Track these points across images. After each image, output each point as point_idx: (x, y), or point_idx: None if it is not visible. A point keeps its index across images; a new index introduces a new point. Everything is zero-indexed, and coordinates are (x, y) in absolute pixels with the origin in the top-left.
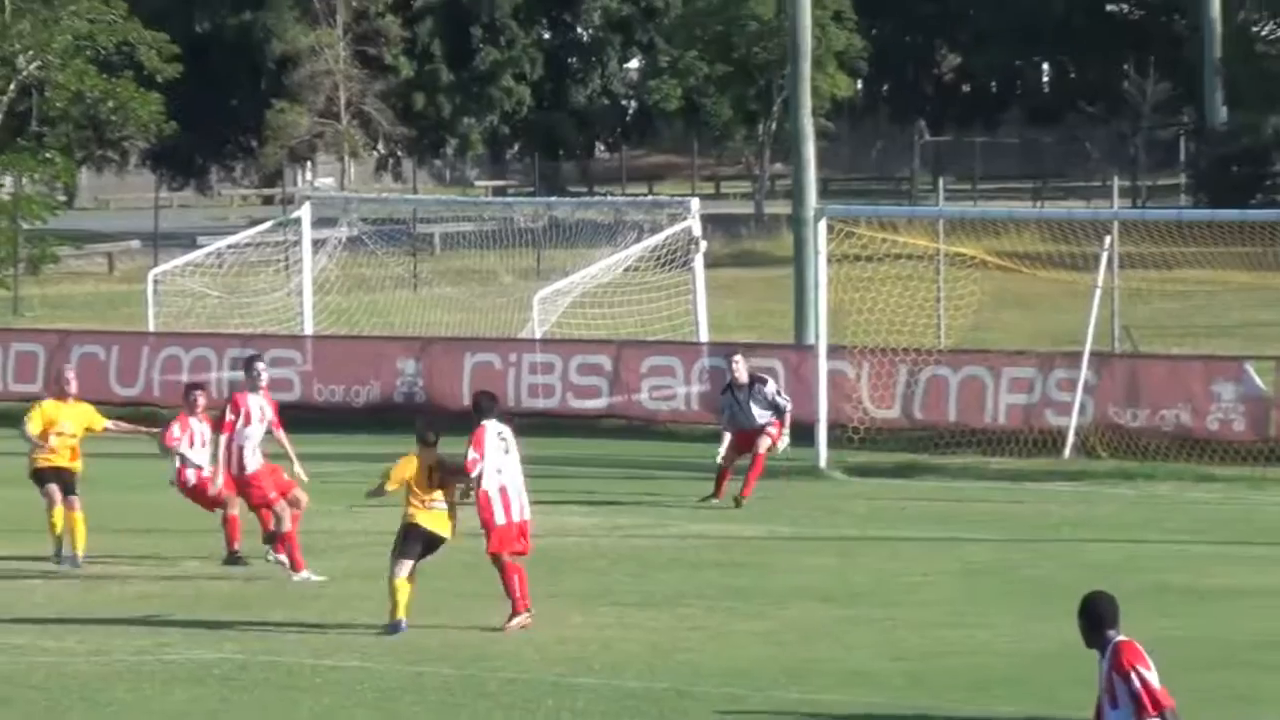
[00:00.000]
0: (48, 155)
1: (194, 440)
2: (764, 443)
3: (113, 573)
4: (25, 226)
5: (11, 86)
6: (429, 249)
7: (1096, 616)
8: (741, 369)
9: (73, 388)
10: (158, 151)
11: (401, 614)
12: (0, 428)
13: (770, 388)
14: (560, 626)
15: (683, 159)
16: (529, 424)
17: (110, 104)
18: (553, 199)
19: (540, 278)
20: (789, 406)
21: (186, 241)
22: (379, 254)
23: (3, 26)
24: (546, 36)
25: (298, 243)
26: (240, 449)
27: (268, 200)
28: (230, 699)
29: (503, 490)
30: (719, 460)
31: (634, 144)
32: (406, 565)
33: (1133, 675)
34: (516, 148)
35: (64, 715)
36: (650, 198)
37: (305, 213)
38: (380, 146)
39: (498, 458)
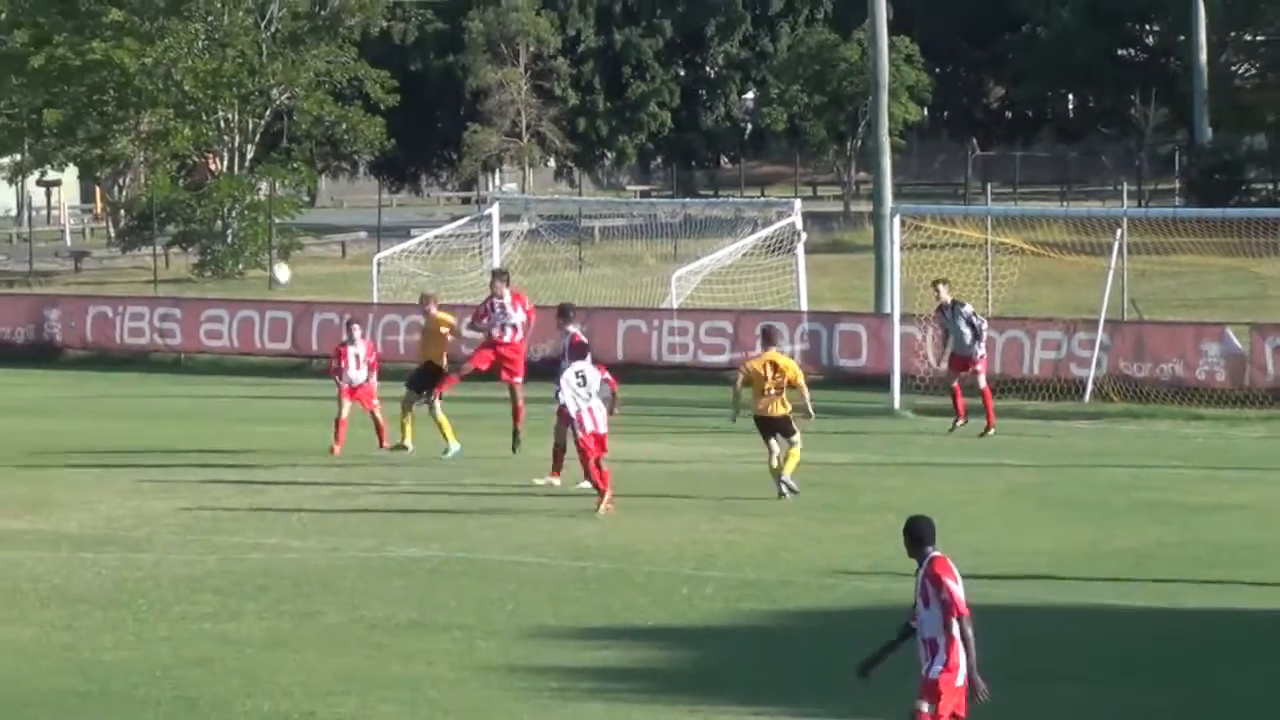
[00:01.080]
0: (295, 166)
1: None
2: (981, 379)
3: (346, 489)
4: (277, 221)
5: (267, 113)
6: (591, 239)
7: (917, 535)
8: (945, 292)
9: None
10: (380, 162)
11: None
12: (263, 377)
13: (968, 308)
14: (693, 531)
15: (787, 169)
16: (668, 374)
17: (343, 126)
18: (687, 200)
19: (677, 261)
20: (984, 325)
21: (402, 233)
22: (552, 243)
23: (260, 66)
24: (682, 73)
25: (489, 234)
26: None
27: (465, 200)
28: (435, 586)
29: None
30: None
31: (749, 157)
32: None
33: (944, 584)
34: (659, 159)
35: (309, 599)
36: (762, 199)
37: (495, 211)
38: (553, 159)
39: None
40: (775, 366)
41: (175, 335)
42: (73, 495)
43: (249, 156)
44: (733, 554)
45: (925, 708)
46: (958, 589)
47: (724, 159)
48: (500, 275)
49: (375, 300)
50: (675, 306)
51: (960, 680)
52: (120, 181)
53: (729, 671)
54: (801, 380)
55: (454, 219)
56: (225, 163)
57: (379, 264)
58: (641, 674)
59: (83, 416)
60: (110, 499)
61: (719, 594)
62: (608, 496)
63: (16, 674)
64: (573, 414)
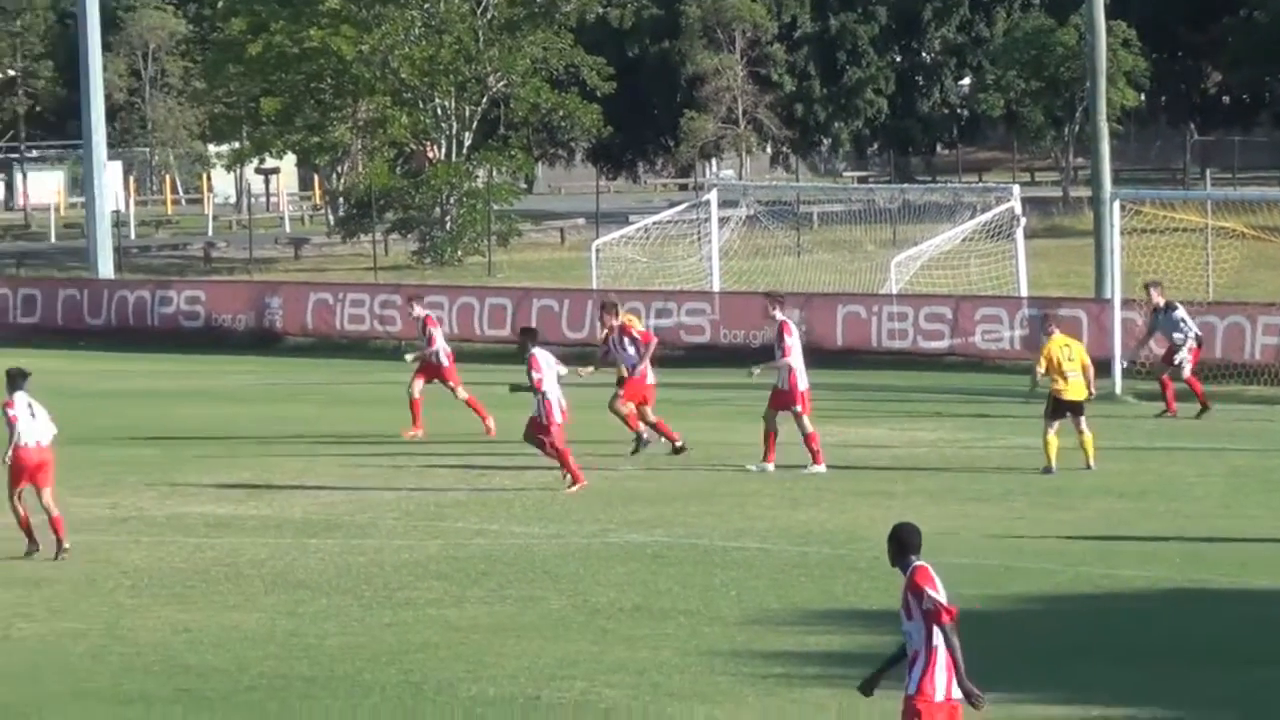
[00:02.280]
0: (512, 153)
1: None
2: (1186, 369)
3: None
4: (495, 208)
5: (484, 100)
6: (809, 224)
7: (901, 543)
8: (1156, 295)
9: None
10: (597, 149)
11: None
12: (482, 364)
13: (1179, 312)
14: (915, 516)
15: (1005, 154)
16: (888, 360)
17: (560, 113)
18: (905, 185)
19: (896, 246)
20: (1193, 330)
21: (620, 219)
22: (770, 228)
23: (477, 53)
24: (898, 59)
25: (707, 220)
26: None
27: (683, 187)
28: (659, 572)
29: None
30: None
31: (966, 142)
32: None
33: (924, 593)
34: (876, 146)
35: (532, 584)
36: (980, 184)
37: (712, 197)
38: (769, 145)
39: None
40: (1070, 348)
41: (395, 322)
42: (295, 481)
43: (466, 144)
44: (955, 539)
45: None
46: (940, 596)
47: (940, 145)
48: (606, 307)
49: (594, 286)
50: (895, 292)
51: (940, 695)
52: (338, 169)
53: None
54: (1090, 365)
55: (671, 205)
56: (443, 150)
57: (597, 250)
58: (865, 659)
59: (303, 403)
60: (332, 484)
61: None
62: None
63: (242, 659)
64: (553, 403)
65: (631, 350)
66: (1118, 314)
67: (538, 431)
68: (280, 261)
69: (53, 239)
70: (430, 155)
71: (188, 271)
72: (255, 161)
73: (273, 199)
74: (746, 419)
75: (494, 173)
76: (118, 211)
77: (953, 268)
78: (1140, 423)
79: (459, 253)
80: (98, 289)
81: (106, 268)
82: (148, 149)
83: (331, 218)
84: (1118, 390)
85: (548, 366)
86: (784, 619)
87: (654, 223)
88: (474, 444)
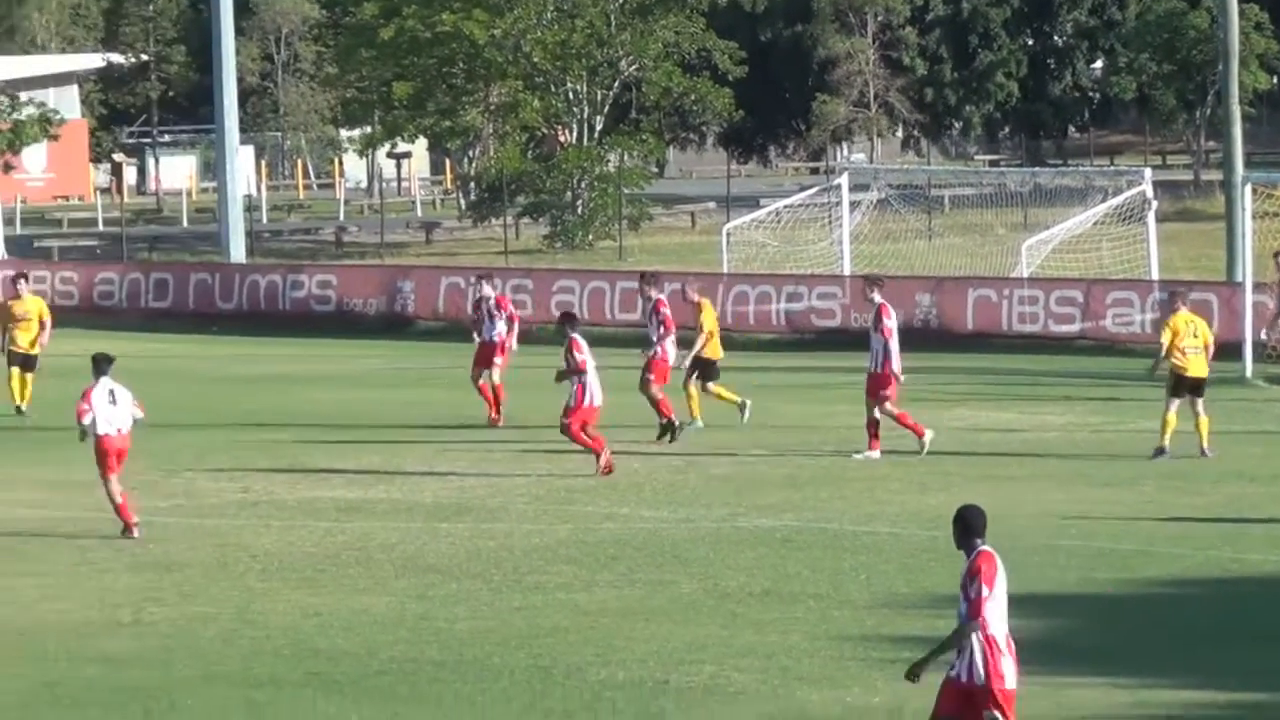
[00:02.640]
0: (643, 137)
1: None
2: None
3: (697, 459)
4: (626, 192)
5: (615, 84)
6: (940, 208)
7: (967, 525)
8: None
9: None
10: (728, 133)
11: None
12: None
13: None
14: (1045, 501)
15: (1136, 137)
16: (1018, 344)
17: (692, 97)
18: (1036, 169)
19: (1027, 230)
20: None
21: (751, 203)
22: (901, 212)
23: (609, 37)
24: (1029, 42)
25: (838, 204)
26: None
27: (813, 171)
28: (788, 556)
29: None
30: None
31: (1098, 126)
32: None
33: (977, 581)
34: (1007, 129)
35: (662, 568)
36: (1112, 168)
37: (844, 181)
38: (900, 129)
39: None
40: (1194, 324)
41: (527, 306)
42: (425, 465)
43: (598, 128)
44: (1085, 523)
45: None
46: (986, 592)
47: (1071, 128)
48: (646, 278)
49: (725, 270)
50: (1026, 276)
51: (1010, 683)
52: (470, 153)
53: (1082, 640)
54: (1212, 344)
55: (802, 189)
56: (574, 134)
57: (728, 234)
58: None
59: (434, 387)
60: (463, 469)
61: (1072, 563)
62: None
63: (372, 643)
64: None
65: (657, 328)
66: (1249, 297)
67: (567, 415)
68: (411, 246)
69: (185, 223)
70: (562, 139)
71: (319, 256)
72: (387, 146)
73: (404, 183)
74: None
75: (625, 157)
76: (249, 196)
77: (1084, 251)
78: (1270, 406)
79: (590, 237)
80: (229, 273)
81: (238, 252)
82: (280, 133)
83: (463, 202)
84: (1248, 374)
85: (589, 351)
86: (913, 603)
87: (785, 206)
88: (604, 429)
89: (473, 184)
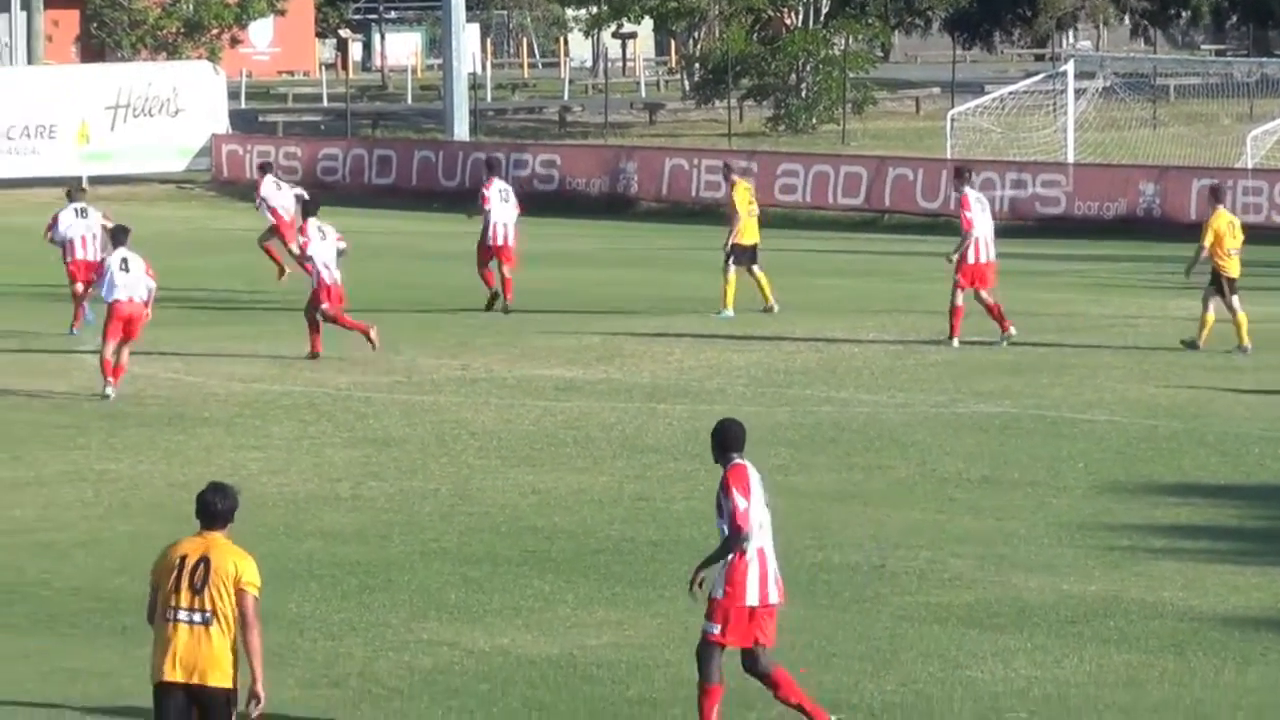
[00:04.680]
0: (869, 21)
1: None
2: None
3: (915, 346)
4: (851, 76)
5: None
6: (1165, 97)
7: (722, 439)
8: None
9: None
10: (954, 18)
11: None
12: (835, 232)
13: None
14: (1265, 390)
15: None
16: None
17: None
18: (1263, 59)
19: (1252, 121)
20: None
21: (976, 89)
22: (1126, 101)
23: None
24: None
25: (1063, 91)
26: None
27: (1039, 58)
28: (1006, 443)
29: None
30: None
31: None
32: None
33: (731, 495)
34: (1235, 18)
35: (879, 453)
36: None
37: (1069, 68)
38: (1128, 17)
39: None
40: (1235, 225)
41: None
42: (644, 346)
43: (824, 11)
44: None
45: (714, 629)
46: (743, 504)
47: None
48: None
49: (948, 155)
50: (1250, 166)
51: (751, 599)
52: (695, 35)
53: None
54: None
55: (1028, 76)
56: (800, 17)
57: (952, 120)
58: (1212, 533)
59: (655, 268)
60: (682, 350)
61: None
62: None
63: (590, 521)
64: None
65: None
66: None
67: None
68: (635, 126)
69: (409, 100)
70: (787, 22)
71: (542, 135)
72: (612, 26)
73: (629, 64)
74: (1100, 290)
75: (850, 40)
76: (474, 74)
77: None
78: None
79: (813, 120)
80: (452, 151)
81: (462, 130)
82: (505, 12)
83: (687, 83)
84: None
85: (320, 235)
86: (1131, 491)
87: (1009, 93)
88: (826, 315)
89: (697, 65)
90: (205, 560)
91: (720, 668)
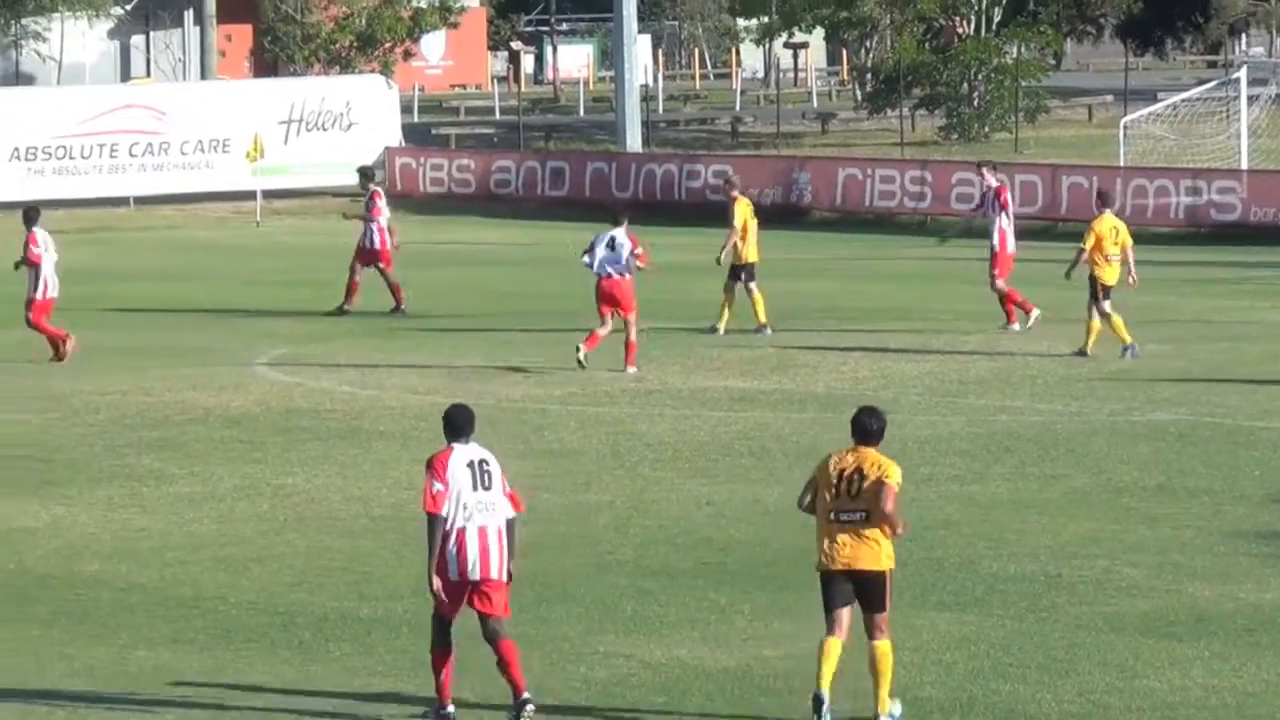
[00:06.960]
0: (1041, 29)
1: None
2: None
3: (1091, 358)
4: (1023, 84)
5: None
6: None
7: (446, 423)
8: None
9: None
10: (1126, 25)
11: None
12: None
13: None
14: None
15: None
16: None
17: None
18: None
19: None
20: None
21: (1148, 96)
22: None
23: None
24: None
25: (1235, 98)
26: None
27: (1211, 64)
28: (1182, 451)
29: None
30: None
31: None
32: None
33: (426, 480)
34: None
35: (1054, 462)
36: None
37: (1242, 75)
38: None
39: None
40: (1119, 231)
41: (925, 198)
42: (819, 356)
43: (995, 19)
44: None
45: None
46: (438, 487)
47: None
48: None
49: (1122, 163)
50: None
51: (453, 574)
52: (866, 44)
53: None
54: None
55: (1200, 83)
56: (972, 25)
57: (1125, 127)
58: None
59: (829, 279)
60: (857, 360)
61: None
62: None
63: (765, 533)
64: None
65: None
66: None
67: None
68: (807, 136)
69: (581, 112)
70: (959, 31)
71: (714, 145)
72: (784, 36)
73: (800, 74)
74: (1276, 297)
75: (1022, 49)
76: (646, 85)
77: None
78: None
79: (986, 129)
80: (625, 162)
81: (634, 141)
82: (676, 23)
83: (859, 93)
84: None
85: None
86: None
87: (1182, 100)
88: (996, 320)
89: (869, 75)
90: (859, 470)
91: (445, 635)
